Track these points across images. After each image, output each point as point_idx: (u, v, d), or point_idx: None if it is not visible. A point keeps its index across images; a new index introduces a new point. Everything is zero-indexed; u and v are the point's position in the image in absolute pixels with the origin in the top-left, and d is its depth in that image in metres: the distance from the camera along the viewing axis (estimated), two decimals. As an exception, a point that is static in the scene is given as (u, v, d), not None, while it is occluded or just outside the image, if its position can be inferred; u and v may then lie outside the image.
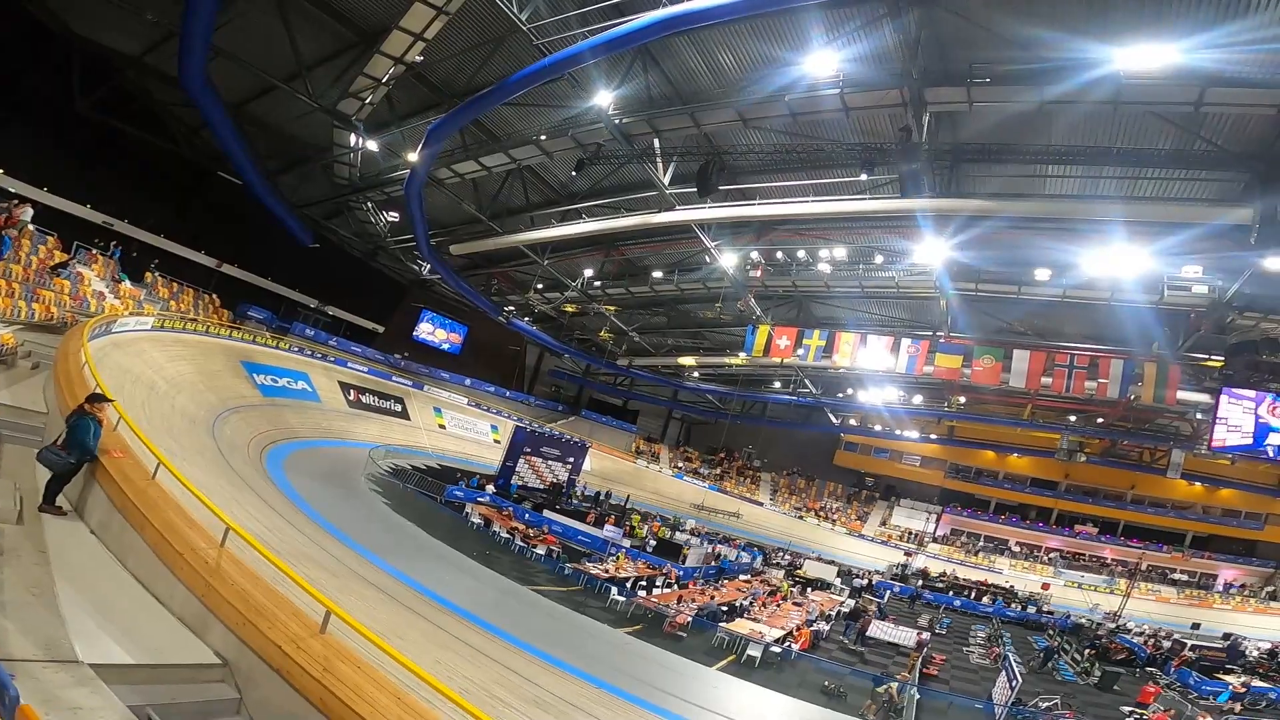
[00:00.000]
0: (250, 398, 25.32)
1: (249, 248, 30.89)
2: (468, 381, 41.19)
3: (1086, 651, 22.14)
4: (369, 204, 27.20)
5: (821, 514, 43.71)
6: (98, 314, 19.67)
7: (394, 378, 36.73)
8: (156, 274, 26.61)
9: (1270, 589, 35.91)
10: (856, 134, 17.02)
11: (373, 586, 10.58)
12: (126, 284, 24.22)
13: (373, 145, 20.71)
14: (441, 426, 37.73)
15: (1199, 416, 25.40)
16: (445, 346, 41.31)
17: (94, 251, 23.58)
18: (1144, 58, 11.70)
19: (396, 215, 27.37)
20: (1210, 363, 21.73)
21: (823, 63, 14.08)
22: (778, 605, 20.18)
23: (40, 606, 5.03)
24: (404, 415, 35.87)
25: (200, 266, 29.83)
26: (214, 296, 29.62)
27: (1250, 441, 20.03)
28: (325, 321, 36.07)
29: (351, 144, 21.13)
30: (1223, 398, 20.29)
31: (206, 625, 5.57)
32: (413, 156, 19.56)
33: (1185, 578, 37.42)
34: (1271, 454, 20.14)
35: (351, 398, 33.17)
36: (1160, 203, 16.11)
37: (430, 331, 40.52)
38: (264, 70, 18.56)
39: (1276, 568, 36.81)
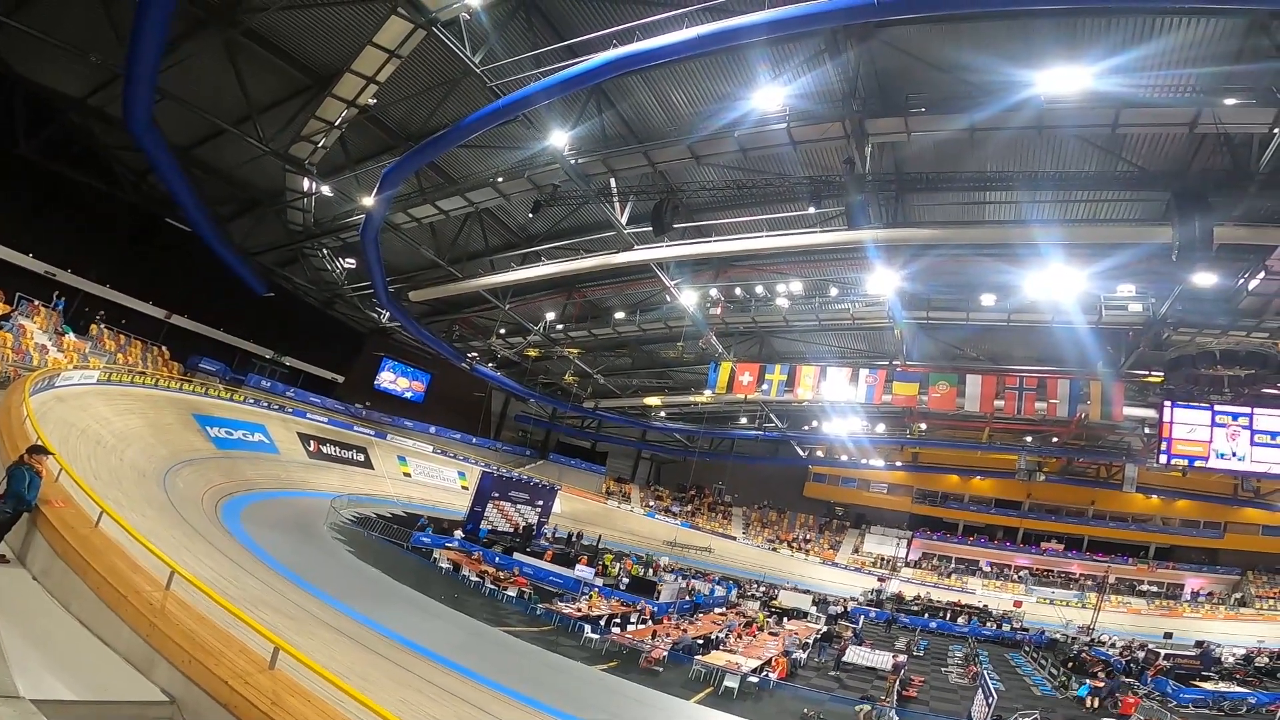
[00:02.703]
0: (203, 450, 24.63)
1: (200, 297, 30.13)
2: (432, 429, 40.60)
3: (1063, 666, 22.19)
4: (324, 250, 26.94)
5: (795, 545, 43.69)
6: (40, 368, 19.07)
7: (355, 427, 36.05)
8: (102, 326, 25.90)
9: (1238, 595, 36.59)
10: (804, 167, 17.72)
11: (334, 630, 10.25)
12: (70, 336, 23.52)
13: (326, 190, 20.66)
14: (407, 475, 37.01)
15: (1147, 431, 26.32)
16: (408, 395, 40.75)
17: (36, 303, 22.90)
18: (1061, 81, 12.55)
19: (354, 262, 27.24)
20: (1151, 378, 22.70)
21: (769, 97, 14.69)
22: (753, 636, 19.95)
23: (-19, 647, 4.86)
24: (367, 464, 35.12)
25: (148, 318, 29.01)
26: (163, 349, 28.87)
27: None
28: (282, 372, 35.30)
29: (305, 188, 20.98)
30: (1167, 412, 21.20)
31: (152, 664, 5.48)
32: (368, 201, 19.56)
33: (1153, 589, 37.99)
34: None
35: (311, 448, 32.40)
36: (1091, 225, 17.08)
37: (392, 380, 39.98)
38: (212, 114, 18.52)
39: (1241, 574, 37.50)
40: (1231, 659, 23.73)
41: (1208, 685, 19.34)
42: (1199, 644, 26.49)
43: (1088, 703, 17.47)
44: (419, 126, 18.57)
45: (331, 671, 5.44)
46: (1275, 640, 29.88)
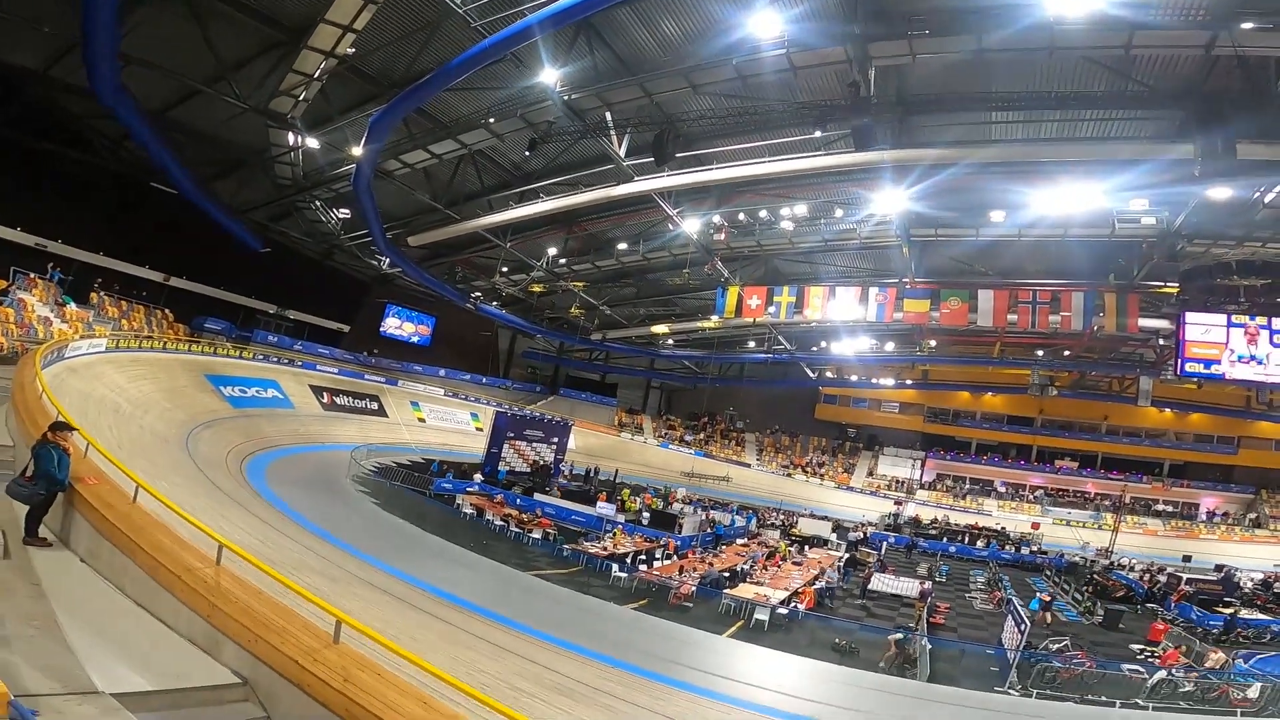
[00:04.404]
0: (220, 411, 24.87)
1: (196, 258, 29.72)
2: (442, 372, 40.82)
3: (1086, 590, 22.72)
4: (317, 203, 26.43)
5: (809, 469, 44.34)
6: (46, 340, 19.01)
7: (366, 376, 36.27)
8: (102, 293, 25.70)
9: (1253, 515, 37.08)
10: (806, 93, 17.04)
11: (375, 589, 10.58)
12: (72, 307, 23.37)
13: (313, 142, 20.08)
14: (421, 420, 37.47)
15: (1161, 343, 26.27)
16: (415, 339, 40.77)
17: (32, 276, 22.66)
18: (1072, 2, 11.99)
19: (348, 212, 26.69)
20: (1166, 289, 22.50)
21: (766, 23, 13.98)
22: (778, 566, 20.56)
23: (46, 639, 4.95)
24: (381, 413, 35.52)
25: (147, 282, 28.70)
26: (166, 311, 28.71)
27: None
28: (287, 326, 35.21)
29: (290, 143, 20.49)
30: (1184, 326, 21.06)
31: (218, 645, 5.54)
32: (357, 151, 19.00)
33: (1169, 509, 38.41)
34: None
35: (325, 400, 32.72)
36: (1105, 142, 16.55)
37: (398, 326, 39.89)
38: (183, 75, 17.81)
39: (1255, 493, 37.86)
40: (1250, 584, 24.00)
41: (1230, 611, 19.44)
42: (1219, 568, 26.72)
43: (1038, 618, 18.00)
44: (403, 72, 17.80)
45: (389, 638, 5.59)
46: None
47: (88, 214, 25.81)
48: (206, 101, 19.37)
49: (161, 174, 22.58)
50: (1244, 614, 19.15)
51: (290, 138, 19.97)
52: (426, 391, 39.14)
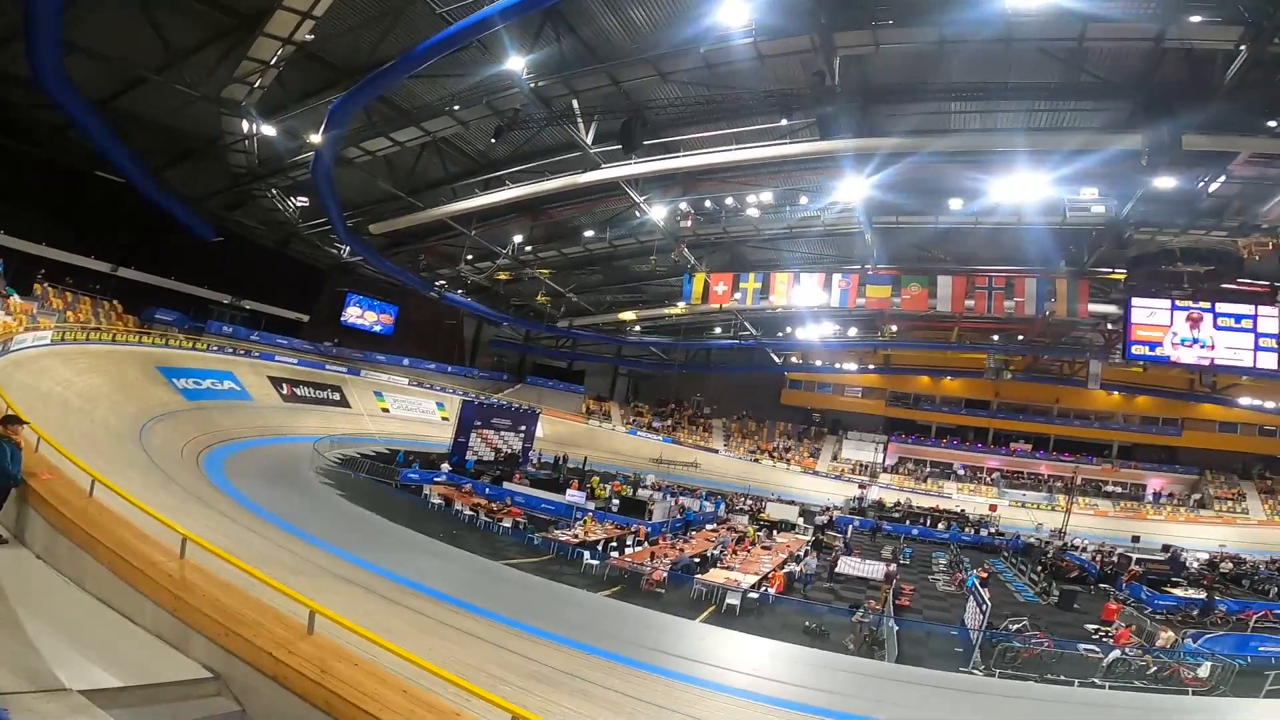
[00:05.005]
0: (174, 404, 24.21)
1: (146, 248, 28.65)
2: (406, 361, 40.23)
3: (1041, 571, 23.50)
4: (274, 191, 25.75)
5: (776, 455, 45.04)
6: (-10, 334, 18.18)
7: (327, 366, 35.57)
8: (46, 285, 24.58)
9: (1197, 496, 38.92)
10: (772, 82, 17.19)
11: (345, 581, 10.46)
12: (15, 299, 22.31)
13: (269, 130, 19.51)
14: (385, 410, 36.94)
15: (1110, 327, 27.32)
16: (377, 328, 40.01)
17: (-28, 270, 21.56)
18: None
19: (307, 200, 26.09)
20: (1114, 276, 23.41)
21: (735, 10, 14.05)
22: (747, 551, 20.87)
23: (8, 638, 4.83)
24: (344, 403, 34.91)
25: (93, 272, 27.52)
26: (115, 303, 27.62)
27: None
28: (243, 316, 34.19)
29: (244, 130, 19.95)
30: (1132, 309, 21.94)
31: (186, 639, 5.45)
32: (316, 138, 18.55)
33: (1118, 490, 40.07)
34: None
35: (285, 391, 32.01)
36: (1057, 133, 17.20)
37: (359, 315, 39.08)
38: (130, 64, 17.19)
39: (1199, 474, 39.75)
40: (1196, 564, 25.08)
41: (1178, 591, 20.35)
42: (1166, 548, 27.82)
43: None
44: (365, 60, 17.35)
45: (362, 629, 5.56)
46: (1234, 544, 32.01)
47: (30, 204, 24.65)
48: (155, 89, 18.65)
49: (107, 163, 21.81)
50: (1191, 594, 20.06)
51: (244, 125, 19.41)
52: (390, 381, 38.56)
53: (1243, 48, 12.39)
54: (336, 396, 34.83)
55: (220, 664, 5.23)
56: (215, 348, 30.03)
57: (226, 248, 29.56)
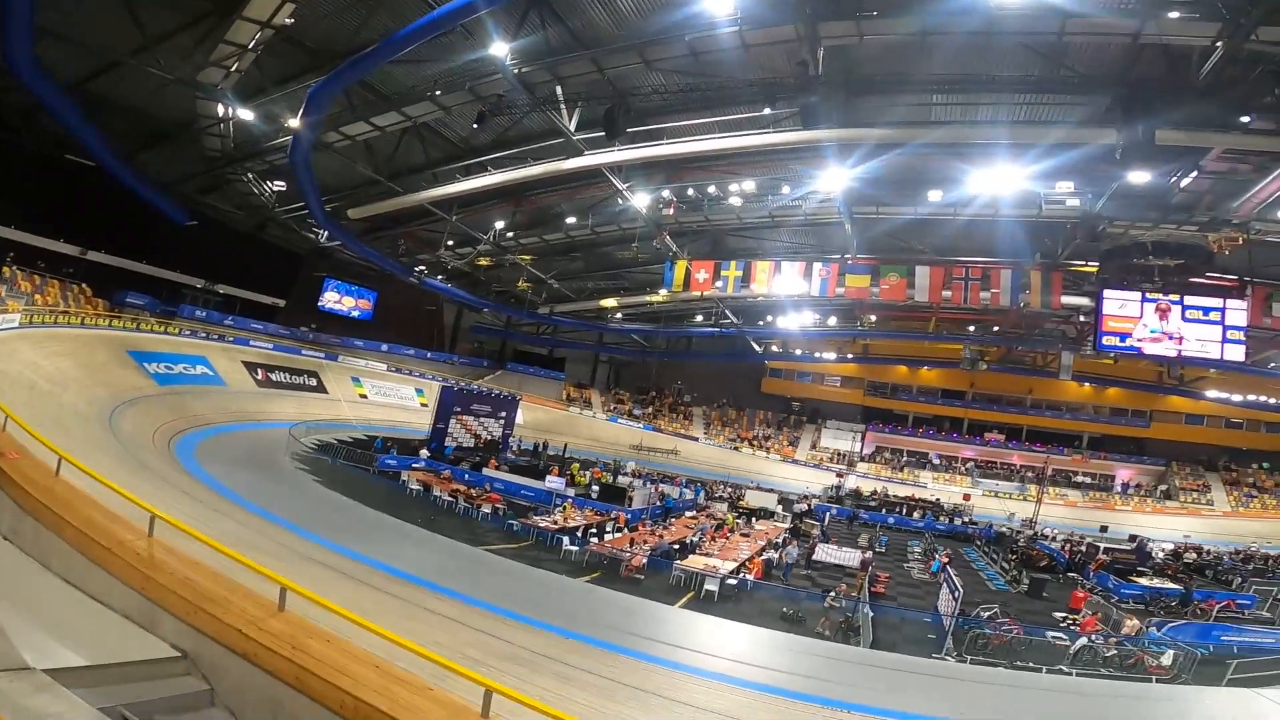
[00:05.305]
0: (145, 388, 23.84)
1: (116, 231, 27.94)
2: (384, 347, 39.87)
3: (1012, 560, 23.94)
4: (249, 175, 25.35)
5: (755, 443, 45.36)
6: (-46, 316, 17.74)
7: (304, 351, 35.13)
8: (14, 268, 23.93)
9: (1163, 487, 39.91)
10: (756, 71, 17.17)
11: (320, 565, 10.40)
12: (-17, 282, 21.74)
13: (246, 114, 19.18)
14: (363, 396, 36.61)
15: (1082, 319, 27.81)
16: (355, 314, 39.55)
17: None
18: None
19: (284, 184, 25.69)
20: (1087, 268, 23.79)
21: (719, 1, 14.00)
22: (726, 538, 21.05)
23: (-29, 620, 4.75)
24: (320, 389, 34.53)
25: (62, 256, 26.85)
26: (83, 286, 26.98)
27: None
28: (217, 301, 33.63)
29: (219, 114, 19.64)
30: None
31: (154, 619, 5.41)
32: (294, 123, 18.22)
33: (1087, 480, 40.99)
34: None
35: (260, 377, 31.60)
36: (1034, 126, 17.35)
37: (337, 300, 38.60)
38: (104, 47, 16.84)
39: (1166, 465, 40.80)
40: (1161, 554, 25.69)
41: (1143, 580, 20.86)
42: (1133, 538, 28.49)
43: (938, 578, 19.09)
44: (345, 44, 17.05)
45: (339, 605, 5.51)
46: (1199, 535, 33.10)
47: (-2, 188, 24.01)
48: (130, 73, 18.23)
49: (79, 146, 21.42)
50: (1156, 583, 20.59)
51: (220, 109, 19.08)
52: (368, 367, 38.20)
53: (1219, 44, 12.53)
54: (313, 382, 34.43)
55: (189, 643, 5.19)
56: (188, 332, 29.56)
57: (201, 232, 29.09)
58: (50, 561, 6.12)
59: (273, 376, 32.33)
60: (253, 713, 4.83)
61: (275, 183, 25.89)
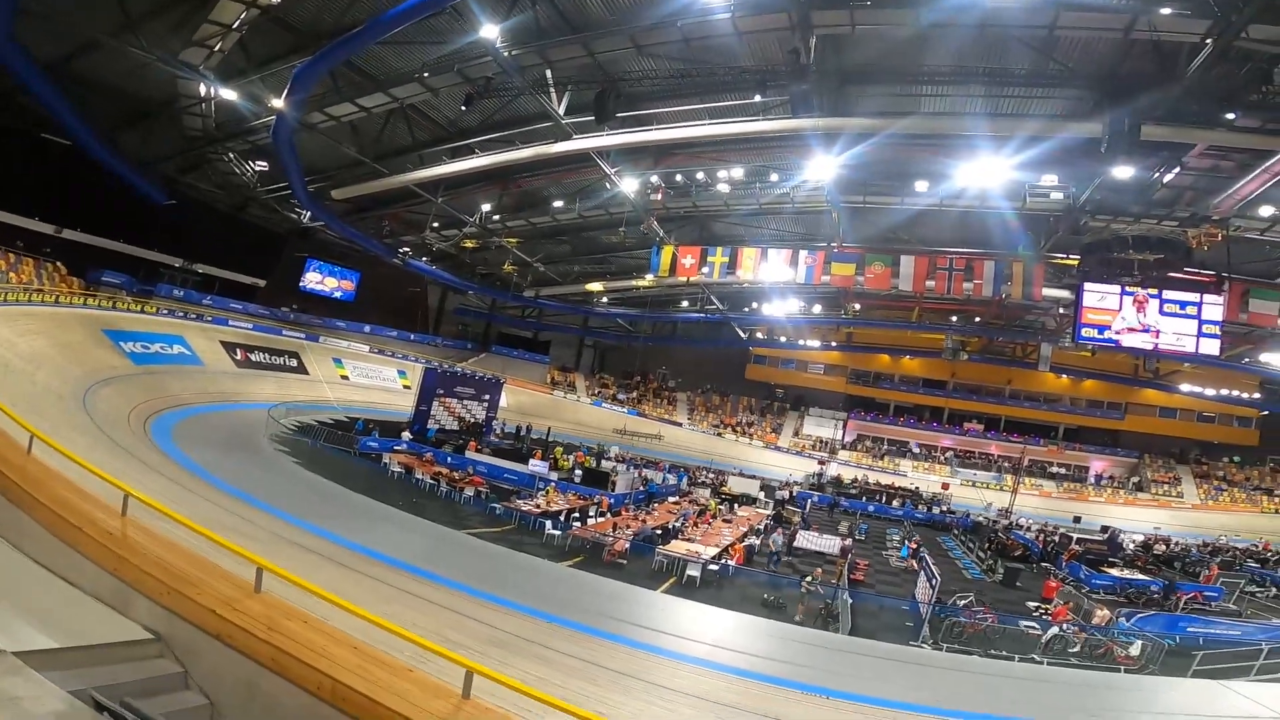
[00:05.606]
0: (120, 368, 23.44)
1: (93, 210, 27.30)
2: (367, 328, 39.51)
3: (988, 549, 24.26)
4: (231, 155, 24.93)
5: (739, 429, 45.57)
6: (-74, 294, 17.30)
7: (284, 332, 34.70)
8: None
9: (1136, 479, 40.66)
10: (748, 58, 17.13)
11: (298, 547, 10.29)
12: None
13: (228, 94, 18.81)
14: (345, 378, 36.26)
15: (1062, 311, 28.14)
16: (337, 295, 39.11)
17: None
18: None
19: (266, 164, 25.33)
20: (1068, 261, 24.05)
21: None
22: (708, 524, 21.19)
23: (-62, 600, 4.65)
24: (301, 370, 34.15)
25: (36, 234, 26.22)
26: (58, 264, 26.39)
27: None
28: (195, 280, 33.03)
29: (201, 94, 19.32)
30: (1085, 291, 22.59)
31: (127, 600, 5.26)
32: (277, 103, 17.93)
33: (1062, 471, 41.61)
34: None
35: (239, 357, 31.17)
36: (1020, 119, 17.42)
37: (319, 280, 38.11)
38: (84, 26, 16.40)
39: (1139, 457, 41.52)
40: (1132, 545, 26.11)
41: (1114, 571, 21.20)
42: (1105, 529, 28.91)
43: (907, 563, 19.34)
44: (331, 24, 16.72)
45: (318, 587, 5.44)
46: (1169, 527, 33.62)
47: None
48: (110, 52, 17.80)
49: (55, 125, 21.01)
50: (1126, 574, 20.93)
51: (201, 88, 18.74)
52: (350, 348, 37.82)
53: (1209, 41, 12.65)
54: (293, 363, 34.05)
55: (162, 625, 5.06)
56: (165, 311, 29.00)
57: (180, 211, 28.57)
58: (21, 542, 5.94)
59: (252, 357, 31.90)
60: (228, 695, 4.75)
61: (257, 162, 25.51)
